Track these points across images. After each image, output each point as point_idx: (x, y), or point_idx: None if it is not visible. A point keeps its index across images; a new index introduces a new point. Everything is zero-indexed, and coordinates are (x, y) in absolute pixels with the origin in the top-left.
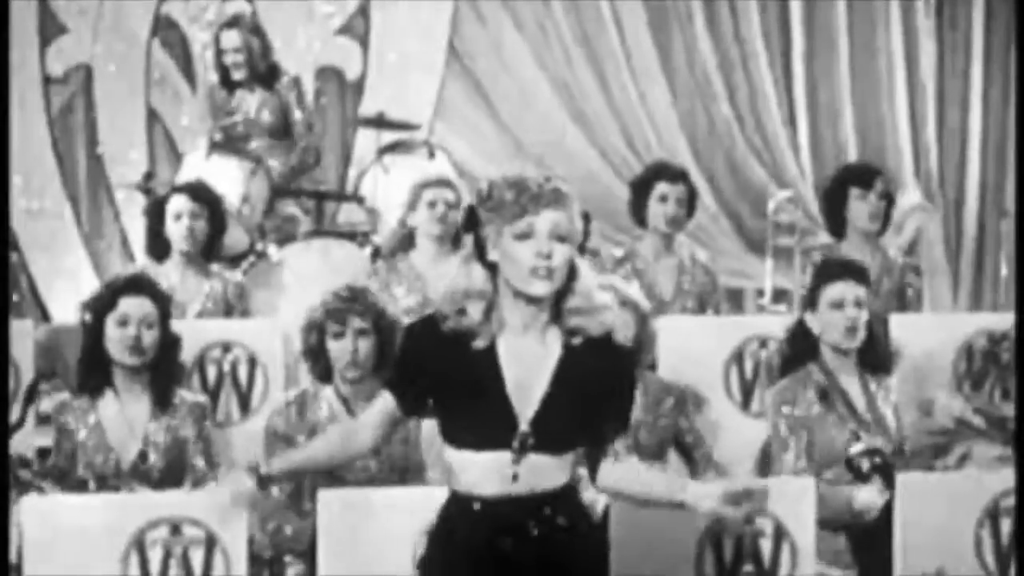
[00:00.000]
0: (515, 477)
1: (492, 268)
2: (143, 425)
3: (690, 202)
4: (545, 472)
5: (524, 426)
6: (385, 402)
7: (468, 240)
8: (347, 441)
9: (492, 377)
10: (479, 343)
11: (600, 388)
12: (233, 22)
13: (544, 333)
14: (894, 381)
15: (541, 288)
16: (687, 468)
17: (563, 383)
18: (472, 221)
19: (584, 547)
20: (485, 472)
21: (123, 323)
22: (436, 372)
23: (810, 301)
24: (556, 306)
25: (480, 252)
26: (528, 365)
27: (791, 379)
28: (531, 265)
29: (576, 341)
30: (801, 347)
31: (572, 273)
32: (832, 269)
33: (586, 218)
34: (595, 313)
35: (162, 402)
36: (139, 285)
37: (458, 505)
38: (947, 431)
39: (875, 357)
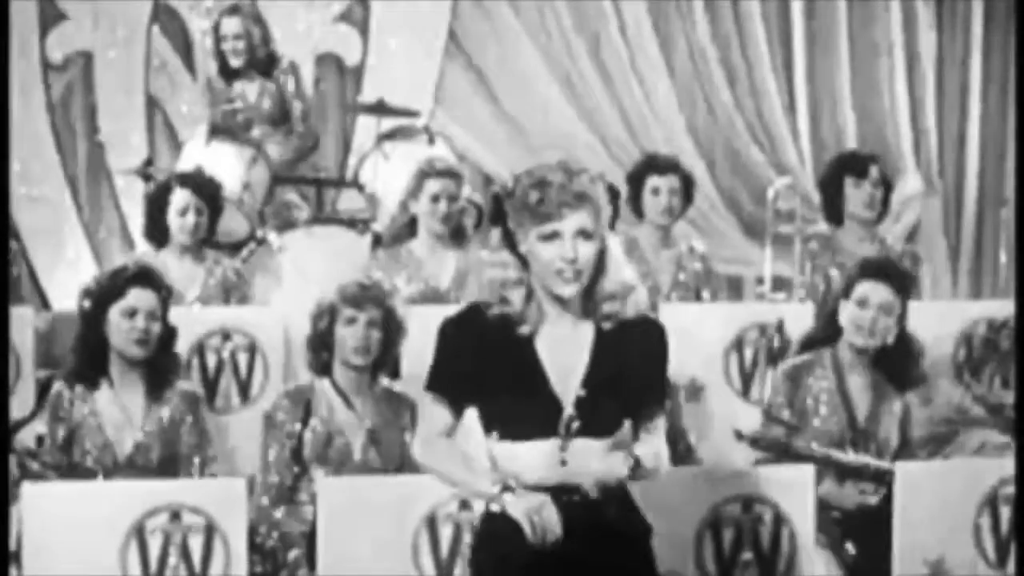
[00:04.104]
0: (564, 463)
1: (524, 259)
2: (139, 414)
3: (685, 191)
4: (593, 453)
5: (569, 409)
6: (436, 413)
7: (497, 231)
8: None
9: (532, 364)
10: (524, 329)
11: (637, 366)
12: (234, 9)
13: (577, 319)
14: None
15: (568, 290)
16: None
17: (602, 363)
18: (499, 213)
19: (631, 540)
20: (532, 461)
21: (131, 314)
22: (478, 363)
23: (845, 292)
24: (587, 295)
25: (510, 243)
26: (566, 350)
27: (801, 360)
28: (557, 268)
29: (608, 325)
30: (824, 332)
31: (602, 258)
32: (870, 267)
33: (615, 194)
34: (627, 296)
35: (158, 392)
36: (148, 277)
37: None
38: (948, 419)
39: (897, 369)
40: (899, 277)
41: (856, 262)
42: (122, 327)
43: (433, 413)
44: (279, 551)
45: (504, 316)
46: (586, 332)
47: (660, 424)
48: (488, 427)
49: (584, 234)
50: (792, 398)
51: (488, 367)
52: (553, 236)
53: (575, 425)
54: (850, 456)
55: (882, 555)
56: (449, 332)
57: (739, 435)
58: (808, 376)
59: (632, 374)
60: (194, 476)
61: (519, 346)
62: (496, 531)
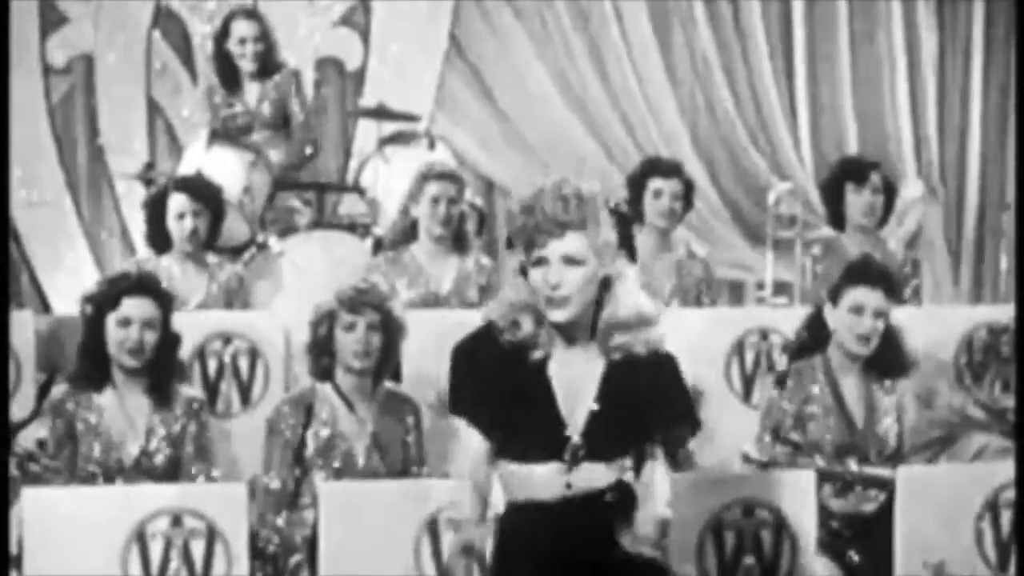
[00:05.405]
0: (568, 486)
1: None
2: (143, 419)
3: (686, 196)
4: (598, 478)
5: (576, 438)
6: (471, 439)
7: (514, 256)
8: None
9: (542, 390)
10: (536, 355)
11: (649, 397)
12: (249, 13)
13: (588, 346)
14: (903, 384)
15: (558, 316)
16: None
17: (609, 397)
18: (512, 240)
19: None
20: (539, 483)
21: (125, 324)
22: (489, 385)
23: (832, 297)
24: (592, 324)
25: (523, 268)
26: (576, 377)
27: (793, 369)
28: (545, 294)
29: (617, 357)
30: (813, 338)
31: (606, 287)
32: (861, 272)
33: (625, 220)
34: (639, 329)
35: (161, 398)
36: (143, 286)
37: (516, 515)
38: (948, 424)
39: (887, 361)
40: (889, 280)
41: (843, 267)
42: (117, 336)
43: (469, 440)
44: (280, 556)
45: (517, 341)
46: (597, 360)
47: (655, 467)
48: (497, 448)
49: (571, 260)
50: (794, 413)
51: (498, 389)
52: (540, 262)
53: (581, 452)
54: (854, 469)
55: (884, 559)
56: (462, 352)
57: (747, 458)
58: (803, 384)
59: (644, 404)
60: (195, 482)
61: (531, 370)
62: (509, 538)
